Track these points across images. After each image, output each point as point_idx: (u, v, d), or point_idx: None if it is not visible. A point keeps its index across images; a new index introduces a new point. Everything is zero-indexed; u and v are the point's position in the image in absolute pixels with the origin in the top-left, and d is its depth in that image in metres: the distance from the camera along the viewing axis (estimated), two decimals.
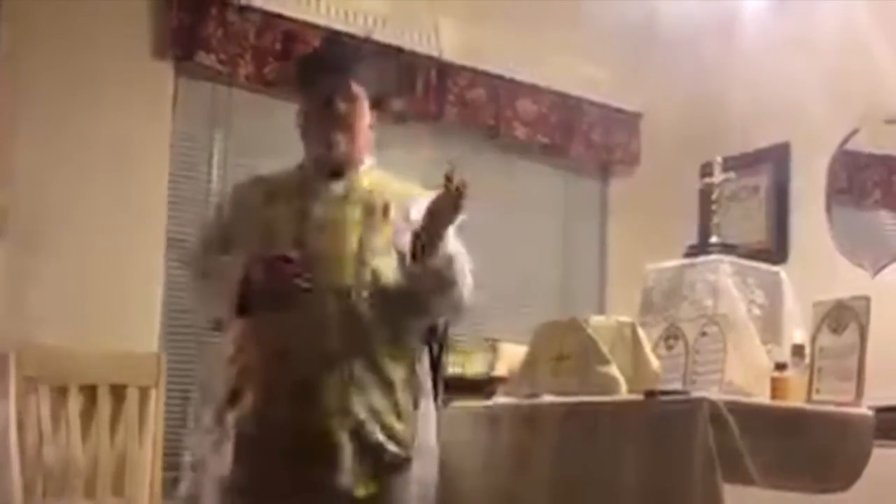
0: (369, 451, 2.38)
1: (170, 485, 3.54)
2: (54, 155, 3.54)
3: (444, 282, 2.46)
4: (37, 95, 3.52)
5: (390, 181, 2.68)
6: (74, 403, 3.41)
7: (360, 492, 2.36)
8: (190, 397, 3.74)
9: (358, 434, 2.38)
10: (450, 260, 2.45)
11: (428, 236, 2.41)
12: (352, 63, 2.68)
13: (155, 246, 3.72)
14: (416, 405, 2.50)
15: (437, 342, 2.77)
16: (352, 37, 4.05)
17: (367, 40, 2.77)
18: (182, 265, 2.85)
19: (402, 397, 2.46)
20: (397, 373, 2.47)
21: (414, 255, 2.44)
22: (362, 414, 2.39)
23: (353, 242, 2.50)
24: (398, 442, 2.42)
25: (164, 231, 3.75)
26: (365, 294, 2.46)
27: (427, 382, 2.60)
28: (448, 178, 2.35)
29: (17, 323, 3.36)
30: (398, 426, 2.43)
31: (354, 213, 2.56)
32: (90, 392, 3.45)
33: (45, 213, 3.50)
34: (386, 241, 2.51)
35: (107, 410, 3.47)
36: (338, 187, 2.60)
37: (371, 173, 2.69)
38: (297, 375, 2.41)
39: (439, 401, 2.72)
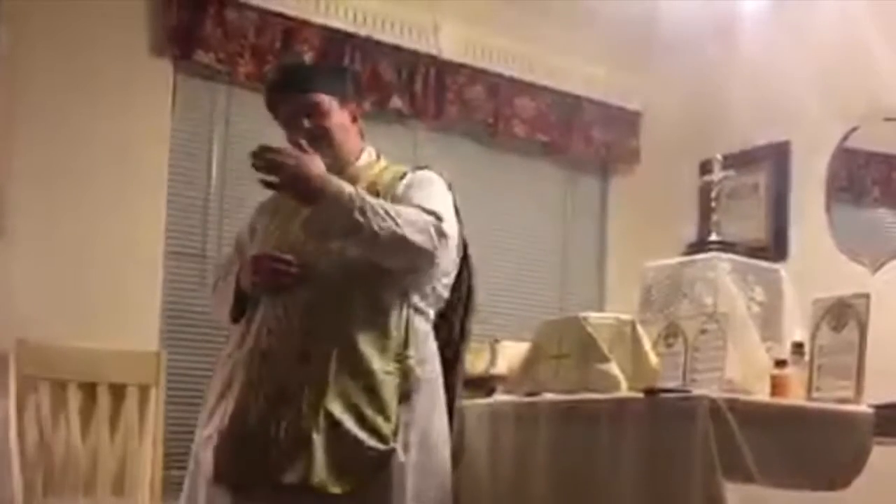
0: (346, 447, 2.35)
1: (172, 484, 3.55)
2: (54, 153, 3.54)
3: (354, 235, 2.40)
4: (36, 94, 3.52)
5: (385, 169, 2.70)
6: (74, 402, 3.41)
7: (335, 489, 2.35)
8: (193, 396, 3.75)
9: (333, 430, 2.36)
10: (342, 212, 2.39)
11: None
12: (305, 77, 2.72)
13: (154, 244, 3.72)
14: (407, 397, 2.48)
15: (454, 342, 2.75)
16: (350, 35, 4.08)
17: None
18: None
19: (386, 390, 2.42)
20: (381, 364, 2.43)
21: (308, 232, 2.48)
22: (338, 410, 2.37)
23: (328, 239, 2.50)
24: (379, 436, 2.38)
25: (163, 229, 3.75)
26: (347, 287, 2.46)
27: (429, 376, 2.57)
28: (254, 165, 2.44)
29: (17, 321, 3.35)
30: (379, 420, 2.39)
31: None
32: (90, 390, 3.45)
33: (44, 212, 3.50)
34: None
35: (106, 409, 3.47)
36: None
37: (373, 166, 2.70)
38: (275, 374, 2.42)
39: (457, 397, 2.70)
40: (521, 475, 2.73)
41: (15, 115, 3.48)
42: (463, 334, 2.77)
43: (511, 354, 3.36)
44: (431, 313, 2.62)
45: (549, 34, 4.57)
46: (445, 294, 2.66)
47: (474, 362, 3.55)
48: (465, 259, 2.73)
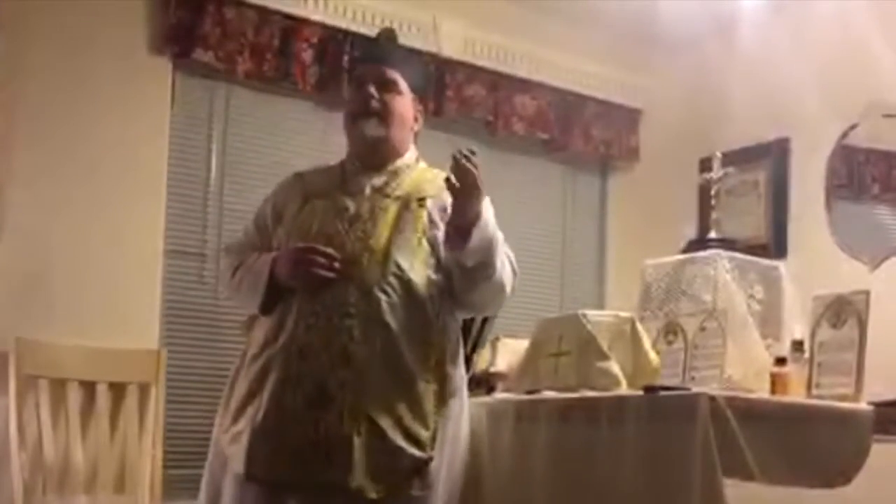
0: (386, 455, 2.35)
1: (172, 482, 3.56)
2: (53, 152, 3.53)
3: (481, 267, 2.43)
4: (35, 93, 3.52)
5: (431, 174, 2.67)
6: (74, 400, 3.41)
7: (372, 494, 2.34)
8: (193, 395, 3.77)
9: (374, 436, 2.35)
10: (487, 244, 2.42)
11: (454, 223, 2.41)
12: (392, 54, 2.72)
13: (154, 242, 3.71)
14: (443, 403, 2.47)
15: (472, 340, 2.75)
16: (349, 33, 4.08)
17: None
18: (222, 260, 2.86)
19: (426, 398, 2.42)
20: (422, 372, 2.43)
21: (449, 246, 2.45)
22: (379, 416, 2.36)
23: (381, 238, 2.48)
24: (418, 444, 2.39)
25: (162, 227, 3.74)
26: (388, 291, 2.44)
27: (461, 380, 2.57)
28: (455, 160, 2.36)
29: (17, 319, 3.36)
30: (419, 428, 2.39)
31: (388, 209, 2.54)
32: (90, 389, 3.45)
33: (44, 210, 3.50)
34: (418, 236, 2.49)
35: (107, 407, 3.47)
36: (377, 182, 2.58)
37: (414, 167, 2.69)
38: (315, 373, 2.39)
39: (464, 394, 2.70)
40: (521, 473, 2.73)
41: (14, 114, 3.48)
42: (481, 336, 2.77)
43: (510, 352, 3.36)
44: (459, 316, 2.61)
45: (549, 32, 4.57)
46: None
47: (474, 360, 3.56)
48: None
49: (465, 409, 2.58)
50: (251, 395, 2.47)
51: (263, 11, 3.92)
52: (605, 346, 2.85)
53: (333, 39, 4.06)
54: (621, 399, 2.56)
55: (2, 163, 3.43)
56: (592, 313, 2.99)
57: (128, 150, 3.67)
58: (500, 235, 2.51)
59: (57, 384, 3.39)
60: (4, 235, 3.42)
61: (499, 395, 3.17)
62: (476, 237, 2.39)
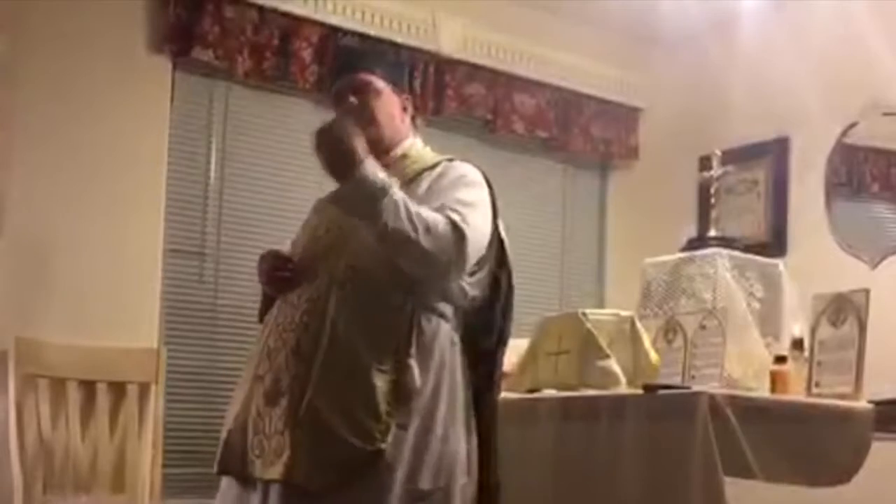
0: (331, 447, 2.31)
1: (171, 481, 3.56)
2: (53, 151, 3.53)
3: (361, 211, 2.36)
4: (35, 92, 3.51)
5: (421, 160, 2.66)
6: (74, 399, 3.41)
7: (315, 486, 2.32)
8: (193, 394, 3.77)
9: (317, 427, 2.32)
10: (357, 193, 2.35)
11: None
12: (359, 59, 2.71)
13: (153, 241, 3.71)
14: (405, 395, 2.44)
15: (492, 344, 2.72)
16: (348, 32, 4.08)
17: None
18: None
19: (380, 389, 2.36)
20: (375, 362, 2.37)
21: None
22: (323, 406, 2.33)
23: (350, 233, 2.48)
24: (366, 436, 2.32)
25: (162, 226, 3.74)
26: (345, 284, 2.42)
27: (433, 373, 2.52)
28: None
29: (17, 319, 3.36)
30: (366, 419, 2.33)
31: None
32: (89, 388, 3.45)
33: (43, 209, 3.50)
34: None
35: (106, 406, 3.47)
36: None
37: (407, 157, 2.66)
38: (274, 370, 2.42)
39: (493, 400, 2.65)
40: (522, 472, 2.73)
41: (14, 113, 3.47)
42: (501, 337, 2.75)
43: (510, 351, 3.36)
44: (448, 310, 2.54)
45: (549, 30, 4.57)
46: (473, 292, 2.59)
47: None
48: (503, 259, 2.70)
49: (442, 409, 2.48)
50: (235, 396, 2.53)
51: (263, 10, 3.92)
52: (604, 344, 2.85)
53: (333, 38, 4.05)
54: (621, 398, 2.56)
55: (2, 162, 3.43)
56: (592, 312, 2.99)
57: (127, 149, 3.67)
58: (394, 193, 2.34)
59: (57, 383, 3.39)
60: (4, 235, 3.41)
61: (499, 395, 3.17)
62: (348, 192, 2.36)
